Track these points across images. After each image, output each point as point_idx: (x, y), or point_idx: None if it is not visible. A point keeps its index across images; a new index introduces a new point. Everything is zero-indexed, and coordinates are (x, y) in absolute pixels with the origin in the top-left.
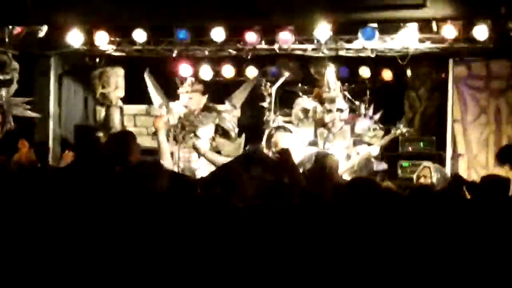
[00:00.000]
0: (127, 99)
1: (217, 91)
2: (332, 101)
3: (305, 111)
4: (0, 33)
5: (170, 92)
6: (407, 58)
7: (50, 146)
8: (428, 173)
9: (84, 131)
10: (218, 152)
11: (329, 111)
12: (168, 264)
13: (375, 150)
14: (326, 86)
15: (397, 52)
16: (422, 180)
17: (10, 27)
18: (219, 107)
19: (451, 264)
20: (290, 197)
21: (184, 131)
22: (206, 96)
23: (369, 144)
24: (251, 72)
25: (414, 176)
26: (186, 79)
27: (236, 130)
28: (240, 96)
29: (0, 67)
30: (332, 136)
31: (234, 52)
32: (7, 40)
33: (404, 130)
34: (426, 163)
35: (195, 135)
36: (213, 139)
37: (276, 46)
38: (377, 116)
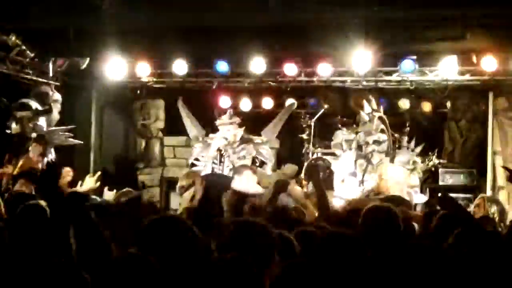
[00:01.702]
0: (167, 131)
1: (256, 123)
2: (369, 133)
3: (349, 142)
4: (43, 65)
5: (209, 124)
6: (447, 90)
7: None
8: (482, 203)
9: (124, 163)
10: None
11: (367, 143)
12: None
13: (414, 180)
14: (363, 118)
15: (436, 84)
16: (475, 209)
17: (53, 59)
18: (256, 139)
19: None
20: None
21: (222, 164)
22: (243, 128)
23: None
24: (290, 104)
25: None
26: (226, 111)
27: (273, 161)
28: (275, 127)
29: (42, 98)
30: (371, 168)
31: (273, 84)
32: (50, 71)
33: (437, 161)
34: (482, 194)
35: (234, 167)
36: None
37: (315, 78)
38: (418, 149)
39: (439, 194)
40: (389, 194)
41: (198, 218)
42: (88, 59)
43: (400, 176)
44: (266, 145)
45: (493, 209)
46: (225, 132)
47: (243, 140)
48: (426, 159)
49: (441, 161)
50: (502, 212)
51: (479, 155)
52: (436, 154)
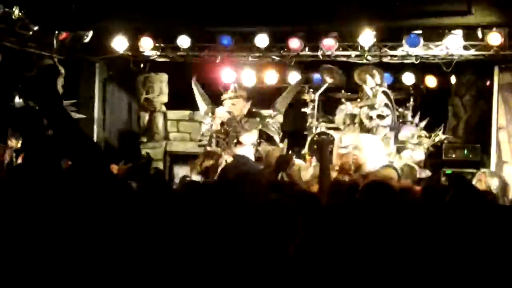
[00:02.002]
0: (170, 105)
1: (260, 97)
2: (372, 108)
3: (352, 116)
4: (47, 38)
5: (213, 98)
6: (452, 65)
7: None
8: (483, 178)
9: (128, 137)
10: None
11: (370, 118)
12: None
13: (419, 155)
14: (368, 92)
15: (441, 59)
16: (477, 184)
17: (56, 32)
18: (263, 112)
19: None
20: None
21: (227, 137)
22: (250, 102)
23: (413, 150)
24: (294, 78)
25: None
26: (229, 85)
27: (280, 135)
28: (284, 101)
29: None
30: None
31: (277, 59)
32: (54, 45)
33: (443, 136)
34: (484, 170)
35: (238, 142)
36: (258, 144)
37: (319, 53)
38: (423, 124)
39: (447, 172)
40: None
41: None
42: (91, 33)
43: (376, 147)
44: (273, 119)
45: (494, 184)
46: (230, 106)
47: (250, 114)
48: (433, 134)
49: (448, 136)
50: (504, 187)
51: (483, 130)
52: (442, 129)
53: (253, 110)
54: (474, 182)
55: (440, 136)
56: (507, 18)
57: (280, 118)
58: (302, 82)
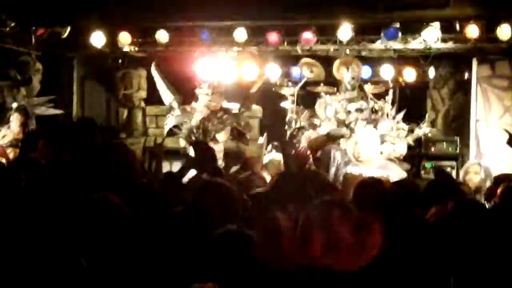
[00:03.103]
0: (149, 100)
1: (239, 92)
2: (351, 101)
3: (330, 110)
4: (24, 35)
5: (190, 93)
6: (430, 58)
7: None
8: (479, 169)
9: (106, 133)
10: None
11: (349, 112)
12: None
13: (402, 148)
14: (346, 86)
15: (419, 52)
16: (471, 175)
17: (34, 28)
18: (232, 108)
19: None
20: None
21: (205, 133)
22: (223, 96)
23: (394, 144)
24: (273, 72)
25: (462, 172)
26: (207, 80)
27: (250, 131)
28: (252, 97)
29: (23, 68)
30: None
31: (256, 53)
32: (31, 41)
33: (427, 130)
34: (475, 161)
35: (214, 138)
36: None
37: (298, 47)
38: (399, 116)
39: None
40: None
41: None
42: (69, 28)
43: (374, 139)
44: (242, 114)
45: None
46: (207, 102)
47: (224, 110)
48: (417, 128)
49: (432, 129)
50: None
51: (462, 123)
52: (426, 122)
53: (225, 106)
54: (463, 172)
55: (424, 129)
56: (485, 11)
57: (257, 113)
58: (281, 77)
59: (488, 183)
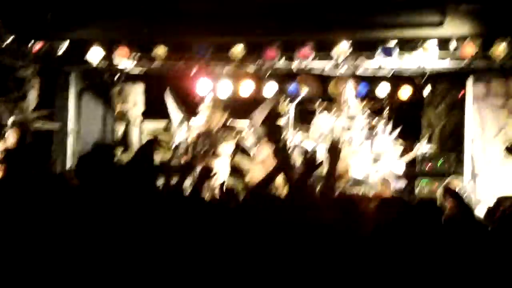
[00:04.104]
0: (146, 115)
1: (236, 108)
2: (352, 118)
3: (328, 127)
4: (22, 49)
5: (189, 108)
6: (426, 76)
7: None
8: (460, 184)
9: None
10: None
11: (348, 128)
12: None
13: (401, 166)
14: (346, 103)
15: (415, 70)
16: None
17: (32, 42)
18: (239, 124)
19: None
20: None
21: (204, 148)
22: (227, 113)
23: (390, 162)
24: (270, 89)
25: (440, 187)
26: (206, 95)
27: (256, 147)
28: (261, 114)
29: (20, 82)
30: (351, 154)
31: (253, 69)
32: (28, 55)
33: (427, 148)
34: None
35: (215, 153)
36: (233, 156)
37: (295, 63)
38: (395, 134)
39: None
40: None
41: None
42: (67, 43)
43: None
44: (250, 130)
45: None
46: (207, 117)
47: (227, 126)
48: (416, 145)
49: (431, 146)
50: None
51: (457, 141)
52: (427, 140)
53: (229, 122)
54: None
55: (423, 147)
56: (480, 30)
57: (258, 131)
58: (279, 96)
59: None
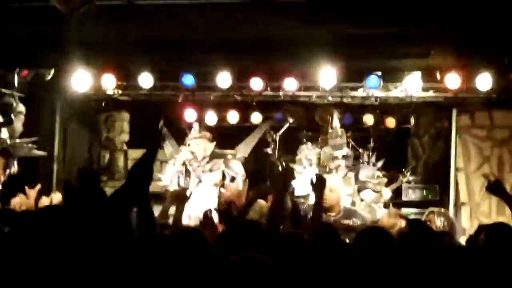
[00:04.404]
0: (132, 144)
1: (222, 137)
2: (339, 147)
3: (311, 157)
4: (7, 76)
5: (175, 137)
6: (411, 106)
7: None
8: (434, 218)
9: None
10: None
11: (335, 157)
12: None
13: (387, 194)
14: (333, 132)
15: (400, 100)
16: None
17: (17, 69)
18: (227, 153)
19: None
20: None
21: (189, 177)
22: (214, 142)
23: (376, 191)
24: (256, 118)
25: (424, 216)
26: (192, 124)
27: (244, 176)
28: (249, 143)
29: (5, 109)
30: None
31: (239, 98)
32: (14, 82)
33: (411, 178)
34: (431, 208)
35: (200, 182)
36: (222, 185)
37: (281, 93)
38: (379, 164)
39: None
40: (340, 204)
41: None
42: (53, 71)
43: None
44: (237, 160)
45: (440, 222)
46: (194, 146)
47: (214, 155)
48: (400, 175)
49: (415, 177)
50: (451, 226)
51: (441, 171)
52: (411, 170)
53: (217, 150)
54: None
55: (407, 177)
56: (465, 62)
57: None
58: (267, 125)
59: None
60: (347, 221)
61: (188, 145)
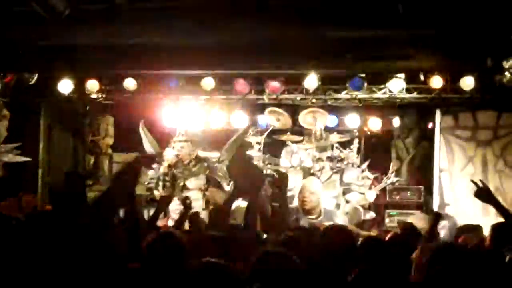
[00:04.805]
0: (116, 147)
1: (207, 140)
2: (323, 149)
3: (296, 159)
4: None
5: (160, 141)
6: (395, 108)
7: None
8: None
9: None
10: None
11: (319, 159)
12: None
13: (372, 196)
14: (318, 135)
15: (384, 101)
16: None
17: (1, 74)
18: (210, 156)
19: None
20: None
21: (174, 181)
22: (198, 146)
23: (360, 193)
24: (240, 120)
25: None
26: (176, 128)
27: (228, 179)
28: (232, 147)
29: None
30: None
31: (223, 101)
32: None
33: (395, 179)
34: (414, 212)
35: (185, 186)
36: (206, 189)
37: (265, 95)
38: (364, 165)
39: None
40: (320, 207)
41: None
42: (36, 75)
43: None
44: (221, 163)
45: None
46: (179, 149)
47: (198, 159)
48: (384, 177)
49: (399, 178)
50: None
51: (426, 172)
52: (394, 172)
53: (201, 155)
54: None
55: (392, 178)
56: (449, 63)
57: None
58: (249, 128)
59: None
60: (328, 224)
61: (173, 147)
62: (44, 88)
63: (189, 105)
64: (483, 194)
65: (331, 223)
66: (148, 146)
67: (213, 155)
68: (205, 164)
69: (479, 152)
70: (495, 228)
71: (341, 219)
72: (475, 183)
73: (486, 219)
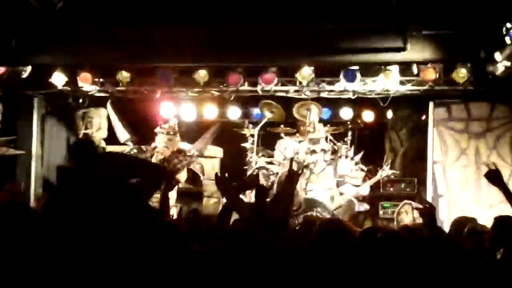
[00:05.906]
0: (110, 140)
1: (200, 132)
2: (317, 142)
3: (290, 151)
4: None
5: (152, 133)
6: (388, 100)
7: (32, 186)
8: (410, 209)
9: (66, 172)
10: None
11: (313, 151)
12: None
13: (365, 189)
14: (311, 127)
15: (378, 94)
16: (403, 216)
17: None
18: (188, 151)
19: None
20: None
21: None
22: (178, 138)
23: (354, 185)
24: (234, 113)
25: (395, 212)
26: (169, 119)
27: (202, 176)
28: (203, 142)
29: None
30: (315, 177)
31: (217, 93)
32: None
33: (390, 172)
34: (407, 201)
35: (176, 179)
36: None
37: (259, 88)
38: (357, 158)
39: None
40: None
41: None
42: (30, 68)
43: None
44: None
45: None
46: (167, 142)
47: (178, 151)
48: (379, 169)
49: (394, 171)
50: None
51: (419, 164)
52: (389, 164)
53: (181, 148)
54: (396, 212)
55: (386, 171)
56: (442, 55)
57: (218, 153)
58: (221, 126)
59: None
60: (310, 213)
61: (162, 140)
62: (37, 81)
63: (182, 97)
64: (493, 175)
65: (314, 212)
66: (121, 128)
67: (187, 147)
68: (185, 156)
69: (472, 144)
70: (498, 221)
71: (322, 206)
72: (487, 165)
73: (478, 209)
